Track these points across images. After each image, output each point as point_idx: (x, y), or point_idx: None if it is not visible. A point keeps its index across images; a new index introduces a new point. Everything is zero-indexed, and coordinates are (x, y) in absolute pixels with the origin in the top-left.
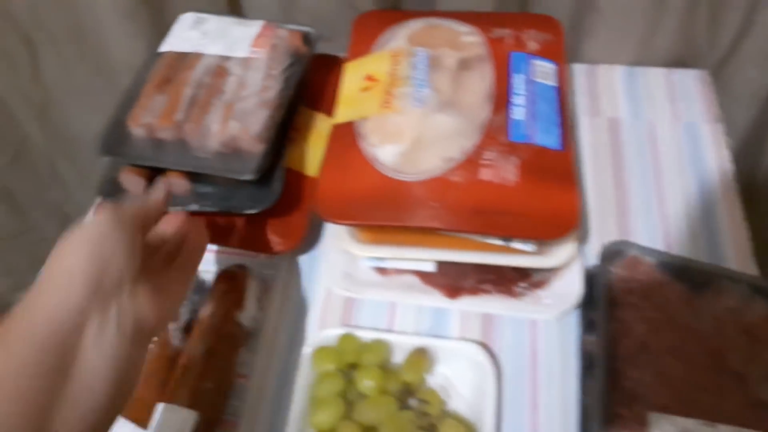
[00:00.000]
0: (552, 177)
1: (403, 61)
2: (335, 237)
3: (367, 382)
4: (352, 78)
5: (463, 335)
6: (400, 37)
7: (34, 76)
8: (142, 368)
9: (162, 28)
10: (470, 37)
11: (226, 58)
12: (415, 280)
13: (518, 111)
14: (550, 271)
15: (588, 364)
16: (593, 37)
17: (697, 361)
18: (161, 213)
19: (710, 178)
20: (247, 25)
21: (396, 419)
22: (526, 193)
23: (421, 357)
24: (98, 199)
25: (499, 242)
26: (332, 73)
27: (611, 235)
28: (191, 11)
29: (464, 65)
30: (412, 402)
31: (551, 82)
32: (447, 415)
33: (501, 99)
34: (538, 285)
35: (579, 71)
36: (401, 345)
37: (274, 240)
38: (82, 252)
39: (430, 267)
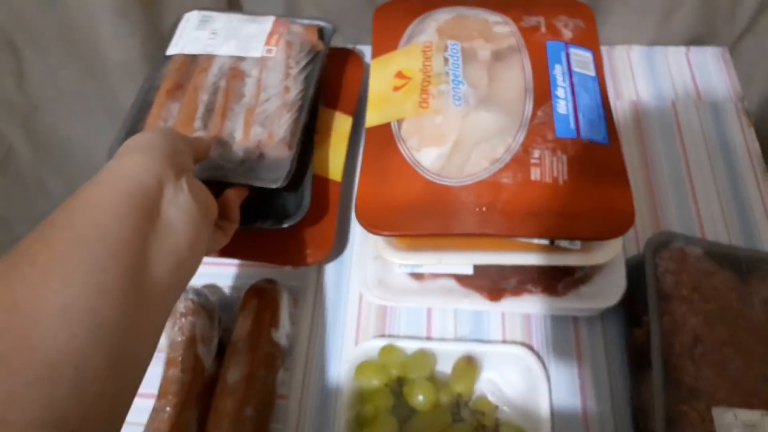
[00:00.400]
0: (603, 173)
1: (435, 55)
2: (367, 244)
3: (419, 397)
4: (380, 76)
5: (505, 337)
6: (428, 29)
7: (18, 82)
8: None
9: (157, 27)
10: (502, 27)
11: (241, 59)
12: (453, 283)
13: (562, 104)
14: (593, 267)
15: (638, 360)
16: (611, 18)
17: (753, 351)
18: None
19: (738, 158)
20: (257, 21)
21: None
22: (579, 192)
23: (470, 365)
24: None
25: (544, 242)
26: (347, 67)
27: (645, 224)
28: (187, 8)
29: (498, 57)
30: (465, 413)
31: (590, 71)
32: (501, 423)
33: (542, 92)
34: (581, 281)
35: None
36: (445, 353)
37: (303, 251)
38: (156, 134)
39: (468, 270)
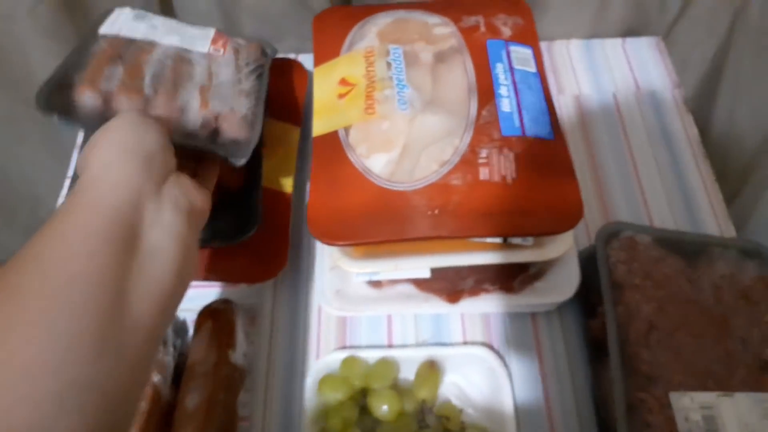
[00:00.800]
0: (550, 168)
1: (377, 60)
2: (323, 255)
3: (383, 407)
4: (324, 84)
5: (466, 338)
6: (369, 34)
7: None
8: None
9: None
10: (443, 29)
11: (187, 51)
12: (411, 288)
13: (505, 102)
14: (547, 262)
15: (596, 350)
16: (548, 14)
17: (705, 333)
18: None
19: (678, 145)
20: (199, 29)
21: None
22: (528, 189)
23: (432, 370)
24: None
25: (497, 240)
26: (290, 78)
27: (595, 216)
28: None
29: (441, 59)
30: (430, 419)
31: (531, 68)
32: (467, 426)
33: (486, 91)
34: (536, 277)
35: None
36: (407, 359)
37: (257, 267)
38: (127, 127)
39: (425, 273)
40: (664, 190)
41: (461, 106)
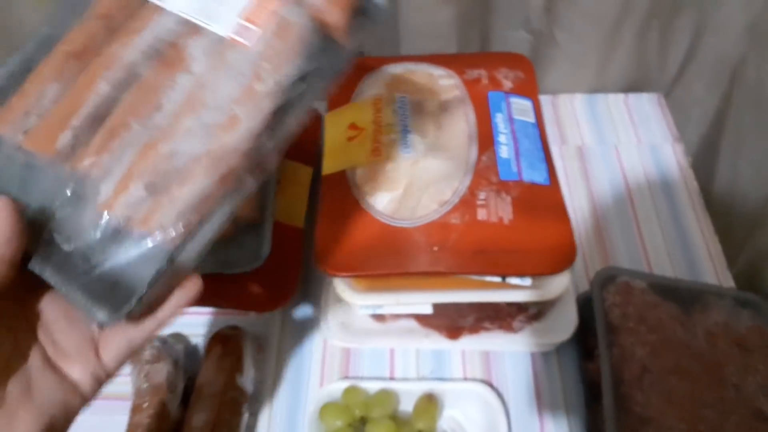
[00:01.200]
0: (545, 212)
1: (385, 108)
2: (329, 288)
3: None
4: (335, 128)
5: (466, 375)
6: (378, 84)
7: None
8: None
9: None
10: (447, 80)
11: (193, 30)
12: (413, 323)
13: (504, 149)
14: (545, 303)
15: (592, 392)
16: (553, 69)
17: (698, 378)
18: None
19: (678, 197)
20: None
21: None
22: (523, 230)
23: (431, 403)
24: None
25: (496, 279)
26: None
27: (595, 262)
28: None
29: (445, 108)
30: None
31: (530, 118)
32: None
33: (486, 139)
34: (535, 318)
35: (542, 102)
36: (407, 392)
37: (267, 297)
38: None
39: (427, 309)
40: (663, 240)
41: (462, 152)
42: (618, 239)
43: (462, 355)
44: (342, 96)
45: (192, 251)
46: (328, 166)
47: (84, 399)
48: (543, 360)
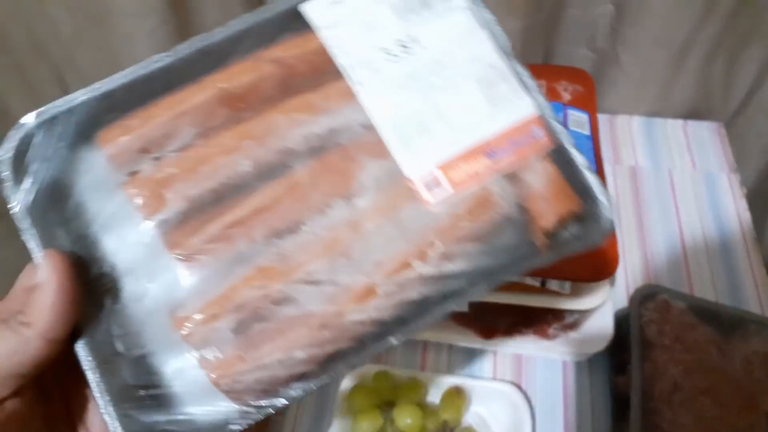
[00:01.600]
0: None
1: None
2: None
3: (407, 420)
4: None
5: (496, 375)
6: None
7: None
8: None
9: None
10: None
11: (378, 146)
12: (449, 320)
13: None
14: (582, 313)
15: (620, 406)
16: (614, 89)
17: (729, 402)
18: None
19: (729, 225)
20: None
21: None
22: None
23: (458, 395)
24: None
25: (536, 283)
26: None
27: (637, 280)
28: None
29: None
30: None
31: (585, 131)
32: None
33: None
34: (571, 327)
35: (600, 120)
36: (436, 384)
37: None
38: None
39: (463, 307)
40: (708, 265)
41: None
42: (662, 260)
43: (494, 356)
44: None
45: (250, 419)
46: None
47: None
48: (575, 369)
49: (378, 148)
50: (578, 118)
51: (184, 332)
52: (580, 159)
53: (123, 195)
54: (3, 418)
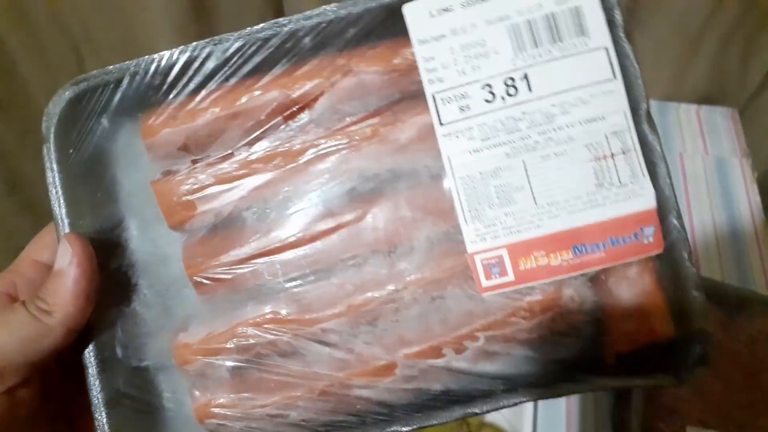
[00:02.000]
0: None
1: None
2: None
3: None
4: None
5: None
6: None
7: None
8: None
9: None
10: None
11: (449, 213)
12: None
13: None
14: None
15: None
16: None
17: (732, 379)
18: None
19: (738, 209)
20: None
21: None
22: None
23: None
24: None
25: None
26: None
27: None
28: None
29: None
30: None
31: None
32: (485, 425)
33: None
34: None
35: None
36: None
37: None
38: None
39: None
40: (716, 246)
41: None
42: None
43: None
44: None
45: None
46: None
47: None
48: None
49: (441, 207)
50: None
51: (180, 360)
52: (691, 274)
53: (152, 193)
54: (14, 405)
